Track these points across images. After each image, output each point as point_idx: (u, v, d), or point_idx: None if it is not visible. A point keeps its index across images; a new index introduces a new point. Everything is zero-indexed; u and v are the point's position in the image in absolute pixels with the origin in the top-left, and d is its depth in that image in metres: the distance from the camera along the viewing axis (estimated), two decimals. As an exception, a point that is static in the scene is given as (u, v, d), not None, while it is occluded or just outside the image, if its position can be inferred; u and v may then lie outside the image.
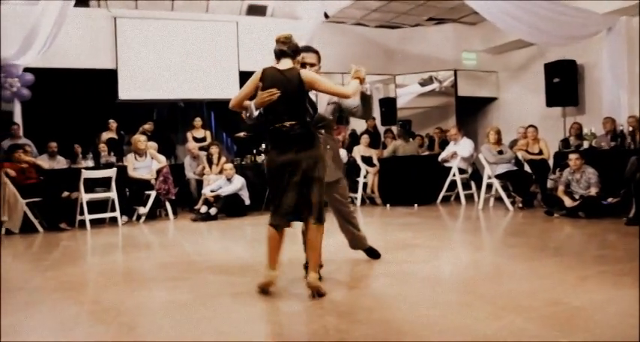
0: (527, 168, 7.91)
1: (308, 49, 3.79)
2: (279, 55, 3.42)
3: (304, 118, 3.36)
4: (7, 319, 3.16)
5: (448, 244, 5.41)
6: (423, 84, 11.82)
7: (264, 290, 3.39)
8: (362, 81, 3.47)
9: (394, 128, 10.94)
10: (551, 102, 9.70)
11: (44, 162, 7.86)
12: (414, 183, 8.47)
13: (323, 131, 3.75)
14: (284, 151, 3.33)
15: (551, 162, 7.96)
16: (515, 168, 7.81)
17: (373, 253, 4.35)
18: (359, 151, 9.18)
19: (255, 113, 3.33)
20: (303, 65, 3.58)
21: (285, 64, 3.39)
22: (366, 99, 3.69)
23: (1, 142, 8.48)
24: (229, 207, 7.81)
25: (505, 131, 8.50)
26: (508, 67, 11.61)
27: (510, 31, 8.81)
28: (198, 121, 9.67)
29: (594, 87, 9.30)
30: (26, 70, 8.78)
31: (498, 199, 7.91)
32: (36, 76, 8.86)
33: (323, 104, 3.80)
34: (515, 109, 11.20)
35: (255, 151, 8.98)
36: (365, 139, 9.40)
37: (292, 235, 3.68)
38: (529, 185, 7.62)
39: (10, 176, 6.94)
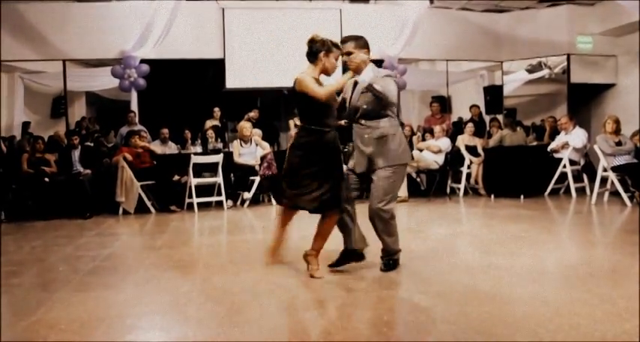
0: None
1: (346, 39, 3.91)
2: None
3: (303, 119, 3.81)
4: (127, 292, 3.41)
5: (559, 239, 5.13)
6: (531, 71, 11.24)
7: None
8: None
9: (500, 117, 10.51)
10: (681, 88, 8.87)
11: (157, 147, 8.34)
12: (520, 174, 8.10)
13: (363, 121, 3.86)
14: None
15: (679, 154, 7.29)
16: (635, 160, 7.23)
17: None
18: (463, 140, 8.90)
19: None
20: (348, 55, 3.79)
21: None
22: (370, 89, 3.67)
23: (119, 128, 9.09)
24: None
25: (624, 120, 7.87)
26: (629, 50, 10.71)
27: (636, 9, 8.07)
28: None
29: None
30: (142, 61, 9.34)
31: (614, 193, 7.35)
32: (150, 66, 9.40)
33: (357, 95, 3.86)
34: (637, 96, 10.35)
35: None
36: (469, 127, 9.09)
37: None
38: (651, 179, 7.02)
39: (128, 160, 7.45)
